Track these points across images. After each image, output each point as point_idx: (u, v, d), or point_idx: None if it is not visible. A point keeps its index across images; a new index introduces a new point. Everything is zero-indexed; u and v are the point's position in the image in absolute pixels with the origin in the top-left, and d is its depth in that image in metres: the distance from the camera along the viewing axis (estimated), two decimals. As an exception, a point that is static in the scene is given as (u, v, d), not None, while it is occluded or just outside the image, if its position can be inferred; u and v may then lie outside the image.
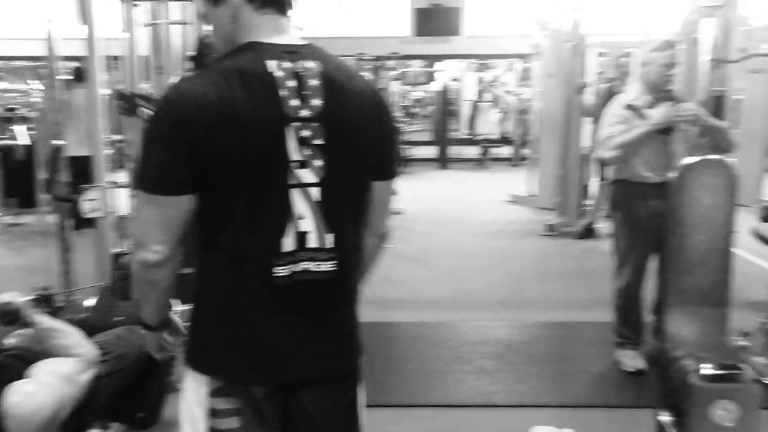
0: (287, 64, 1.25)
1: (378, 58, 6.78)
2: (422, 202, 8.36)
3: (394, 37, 10.48)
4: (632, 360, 3.46)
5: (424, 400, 3.23)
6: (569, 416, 2.97)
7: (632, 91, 3.43)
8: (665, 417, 0.89)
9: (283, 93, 1.24)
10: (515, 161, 11.68)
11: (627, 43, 7.22)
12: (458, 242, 6.45)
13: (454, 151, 12.44)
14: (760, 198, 6.46)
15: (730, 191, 0.76)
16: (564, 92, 6.58)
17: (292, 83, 1.25)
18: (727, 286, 0.82)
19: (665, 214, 3.28)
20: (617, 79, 6.40)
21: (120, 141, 3.78)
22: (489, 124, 13.35)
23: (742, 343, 3.75)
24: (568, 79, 6.46)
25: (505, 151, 12.35)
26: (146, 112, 3.01)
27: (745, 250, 5.55)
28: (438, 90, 12.89)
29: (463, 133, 13.86)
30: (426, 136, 13.46)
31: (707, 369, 0.83)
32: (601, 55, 7.49)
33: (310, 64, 1.28)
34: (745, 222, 5.28)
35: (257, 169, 1.24)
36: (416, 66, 16.25)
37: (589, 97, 6.60)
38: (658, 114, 3.21)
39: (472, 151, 12.51)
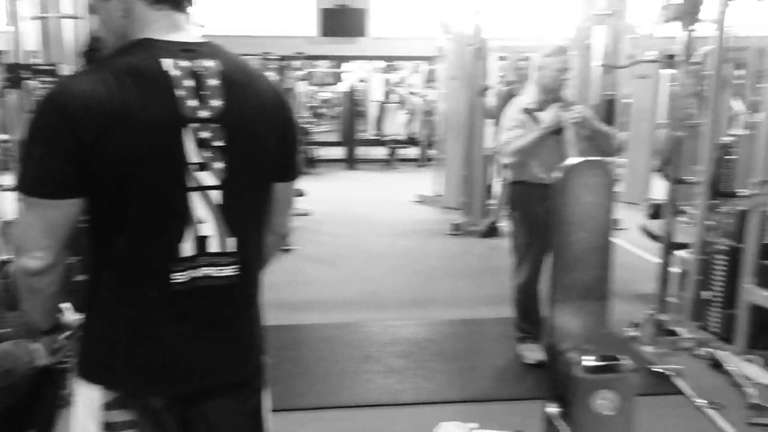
0: (184, 63, 1.21)
1: (283, 58, 6.71)
2: (330, 202, 8.35)
3: (300, 37, 10.40)
4: (533, 353, 3.59)
5: (334, 402, 3.22)
6: (474, 410, 3.04)
7: (528, 95, 3.54)
8: (552, 408, 0.93)
9: (179, 93, 1.19)
10: (422, 162, 11.86)
11: (526, 47, 7.49)
12: (366, 242, 6.48)
13: (361, 151, 12.49)
14: (648, 196, 6.86)
15: (608, 191, 0.81)
16: (467, 94, 6.75)
17: (189, 83, 1.20)
18: (607, 281, 0.87)
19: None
20: (517, 82, 6.61)
21: (5, 141, 3.54)
22: (396, 125, 13.50)
23: (632, 333, 3.98)
24: (471, 82, 6.63)
25: (412, 151, 12.51)
26: (33, 84, 2.85)
27: (634, 245, 5.91)
28: (345, 91, 12.90)
29: (370, 133, 13.94)
30: (334, 137, 13.46)
31: (589, 361, 0.87)
32: (501, 58, 7.73)
33: (209, 63, 1.23)
34: (635, 219, 5.63)
35: (152, 172, 1.18)
36: (323, 66, 16.20)
37: (491, 100, 6.79)
38: (549, 117, 3.35)
39: (380, 152, 12.61)
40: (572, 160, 0.82)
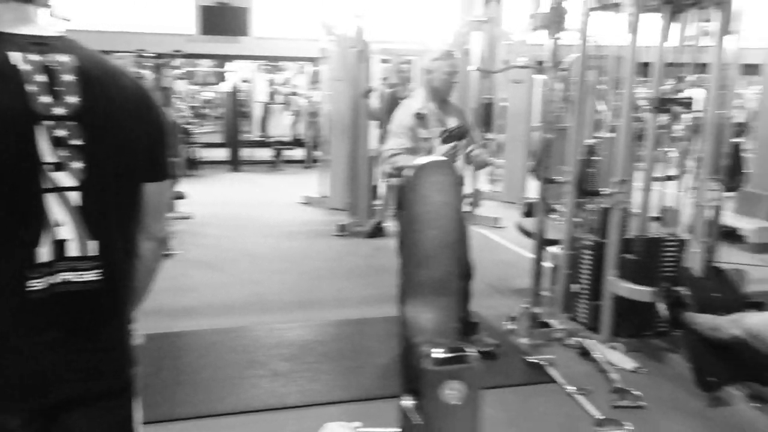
0: (35, 57, 1.14)
1: (159, 56, 6.46)
2: (214, 205, 8.14)
3: (178, 34, 10.06)
4: None
5: (218, 409, 3.14)
6: (360, 409, 3.08)
7: (418, 98, 3.60)
8: (407, 402, 0.96)
9: (30, 88, 1.12)
10: (308, 163, 11.82)
11: (407, 50, 7.66)
12: (252, 245, 6.37)
13: (246, 153, 12.27)
14: (524, 196, 7.21)
15: (456, 190, 0.85)
16: (351, 96, 6.81)
17: (41, 78, 1.13)
18: (456, 277, 0.92)
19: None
20: (399, 85, 6.77)
21: None
22: (281, 126, 13.36)
23: (510, 326, 4.17)
24: (355, 84, 6.69)
25: (298, 153, 12.45)
26: None
27: (511, 242, 6.20)
28: (228, 91, 12.60)
29: (255, 135, 13.72)
30: (217, 138, 13.12)
31: (437, 353, 0.91)
32: (384, 61, 7.86)
33: (64, 58, 1.17)
34: (512, 217, 5.88)
35: (2, 172, 1.10)
36: (205, 66, 15.76)
37: (374, 101, 6.89)
38: (442, 150, 3.44)
39: (265, 154, 12.45)
40: (420, 160, 0.86)
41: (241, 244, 6.38)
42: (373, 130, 7.08)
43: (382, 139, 7.06)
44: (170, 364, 3.54)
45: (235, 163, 11.82)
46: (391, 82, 7.03)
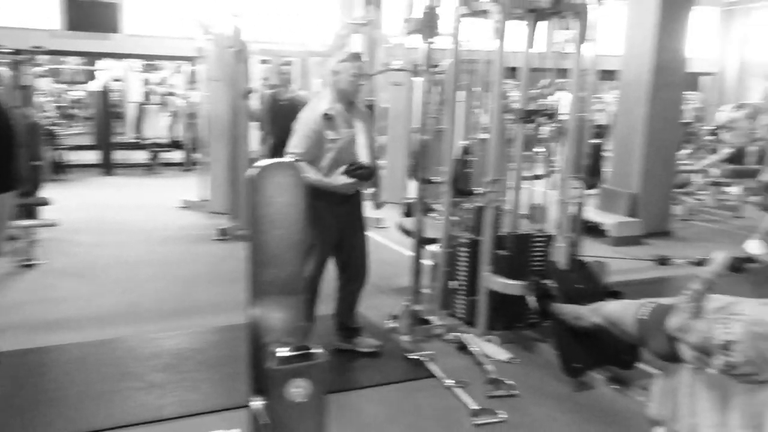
0: None
1: (18, 52, 6.01)
2: (85, 211, 7.69)
3: (40, 29, 9.41)
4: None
5: (88, 426, 2.97)
6: (241, 417, 3.01)
7: (325, 100, 3.57)
8: (256, 402, 0.97)
9: None
10: (187, 166, 11.44)
11: (288, 51, 7.60)
12: (126, 251, 6.08)
13: (120, 156, 11.68)
14: (404, 196, 7.34)
15: (300, 190, 0.86)
16: (230, 97, 6.65)
17: None
18: (302, 276, 0.93)
19: (348, 217, 3.58)
20: (280, 86, 6.69)
21: None
22: (158, 128, 12.84)
23: (392, 325, 4.24)
24: (234, 84, 6.54)
25: (176, 155, 12.01)
26: None
27: (393, 242, 6.30)
28: (98, 90, 11.93)
29: (129, 136, 13.10)
30: (87, 140, 12.39)
31: (282, 351, 0.92)
32: (263, 61, 7.75)
33: None
34: (393, 217, 5.97)
35: None
36: (73, 63, 14.87)
37: (254, 103, 6.77)
38: (341, 181, 3.48)
39: (141, 156, 11.91)
40: (263, 162, 0.86)
41: (113, 251, 6.07)
42: (254, 131, 6.97)
43: (263, 141, 7.00)
44: (33, 382, 3.30)
45: (107, 167, 11.21)
46: (272, 83, 6.94)
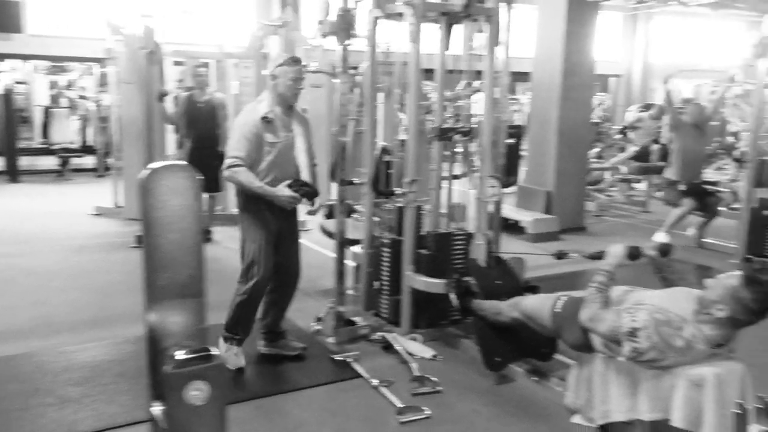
0: None
1: None
2: (-13, 220, 7.28)
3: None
4: (236, 358, 3.61)
5: (-5, 448, 2.82)
6: (162, 427, 2.93)
7: (264, 103, 3.50)
8: (156, 408, 0.95)
9: None
10: (100, 172, 11.01)
11: (204, 53, 7.44)
12: (36, 261, 5.79)
13: (26, 162, 11.10)
14: (326, 198, 7.33)
15: (194, 193, 0.86)
16: (144, 99, 6.45)
17: None
18: (201, 279, 0.92)
19: (286, 221, 3.52)
20: (196, 88, 6.55)
21: None
22: (67, 132, 12.28)
23: (317, 327, 4.23)
24: (147, 87, 6.35)
25: (88, 160, 11.53)
26: None
27: (317, 244, 6.27)
28: (0, 93, 11.28)
29: (36, 142, 12.47)
30: (-11, 146, 11.72)
31: (180, 354, 0.91)
32: (177, 63, 7.56)
33: None
34: (315, 219, 5.94)
35: None
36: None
37: (169, 105, 6.60)
38: (282, 192, 3.42)
39: (49, 162, 11.36)
40: (155, 164, 0.85)
41: (22, 262, 5.77)
42: (170, 135, 6.78)
43: (180, 144, 6.82)
44: (-66, 403, 3.10)
45: (13, 174, 10.62)
46: (187, 86, 6.77)
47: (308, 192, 3.56)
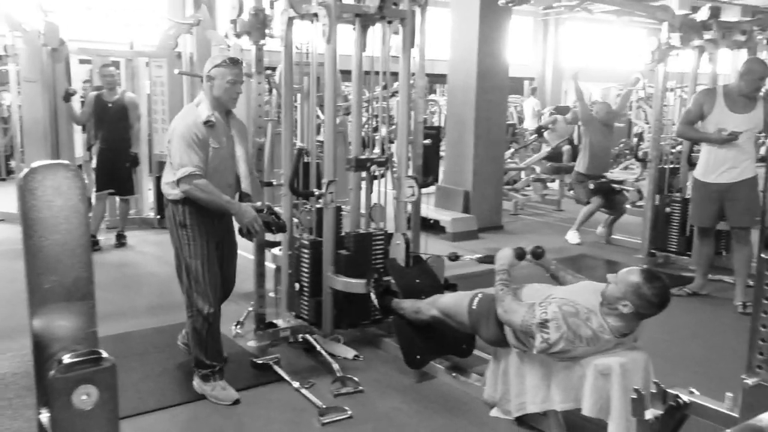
0: None
1: None
2: None
3: None
4: (225, 392, 3.34)
5: None
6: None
7: (203, 107, 3.29)
8: (43, 416, 0.92)
9: None
10: (2, 175, 10.40)
11: (113, 51, 7.17)
12: (-71, 274, 5.41)
13: None
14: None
15: (80, 193, 0.83)
16: (48, 99, 6.14)
17: None
18: (91, 281, 0.90)
19: (225, 229, 3.38)
20: (105, 88, 6.30)
21: None
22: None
23: (238, 330, 4.16)
24: (51, 86, 6.05)
25: (-10, 163, 10.88)
26: None
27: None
28: None
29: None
30: None
31: (66, 358, 0.88)
32: (83, 61, 7.25)
33: None
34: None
35: None
36: None
37: (77, 105, 6.33)
38: (249, 212, 3.26)
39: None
40: (37, 163, 0.82)
41: None
42: (78, 136, 6.50)
43: (89, 146, 6.55)
44: None
45: None
46: (96, 85, 6.51)
47: (278, 224, 3.47)
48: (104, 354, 0.91)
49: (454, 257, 3.51)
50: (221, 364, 3.39)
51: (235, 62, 3.31)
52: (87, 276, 0.93)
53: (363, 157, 3.96)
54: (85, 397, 0.90)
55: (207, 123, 3.21)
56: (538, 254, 3.21)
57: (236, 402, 3.31)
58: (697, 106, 4.95)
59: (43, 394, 0.93)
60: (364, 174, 4.08)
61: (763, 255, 1.87)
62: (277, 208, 4.56)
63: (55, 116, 6.06)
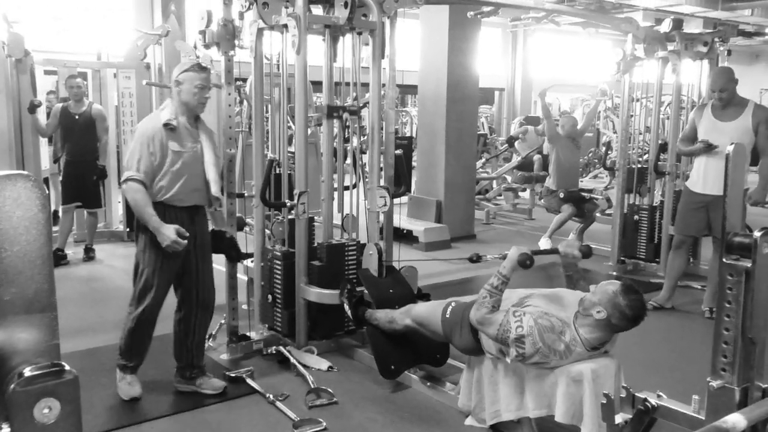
0: None
1: None
2: None
3: None
4: (129, 387, 3.42)
5: None
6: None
7: (167, 111, 3.30)
8: (4, 431, 0.90)
9: None
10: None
11: (80, 62, 7.08)
12: None
13: None
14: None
15: (40, 203, 0.82)
16: (12, 111, 6.02)
17: None
18: (52, 292, 0.89)
19: (193, 241, 3.30)
20: (71, 99, 6.22)
21: None
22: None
23: (210, 344, 4.11)
24: (16, 97, 5.94)
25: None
26: None
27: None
28: None
29: None
30: None
31: (28, 371, 0.87)
32: (49, 72, 7.14)
33: None
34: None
35: None
36: None
37: (42, 117, 6.23)
38: (168, 234, 3.16)
39: None
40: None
41: None
42: (44, 148, 6.39)
43: (55, 159, 6.44)
44: None
45: None
46: (62, 96, 6.42)
47: (234, 257, 3.57)
48: (66, 366, 0.90)
49: (477, 258, 3.43)
50: (136, 363, 3.46)
51: (202, 68, 3.32)
52: (48, 288, 0.91)
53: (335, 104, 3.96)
54: (47, 410, 0.88)
55: (167, 125, 3.22)
56: (586, 254, 3.06)
57: (134, 399, 3.40)
58: (691, 123, 5.02)
59: (3, 409, 0.91)
60: (337, 183, 4.07)
61: (724, 260, 1.91)
62: (249, 220, 4.55)
63: (20, 128, 5.94)
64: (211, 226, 3.67)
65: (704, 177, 4.85)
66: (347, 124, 4.09)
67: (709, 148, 4.74)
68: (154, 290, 3.30)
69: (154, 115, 3.36)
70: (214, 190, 3.36)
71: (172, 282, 3.39)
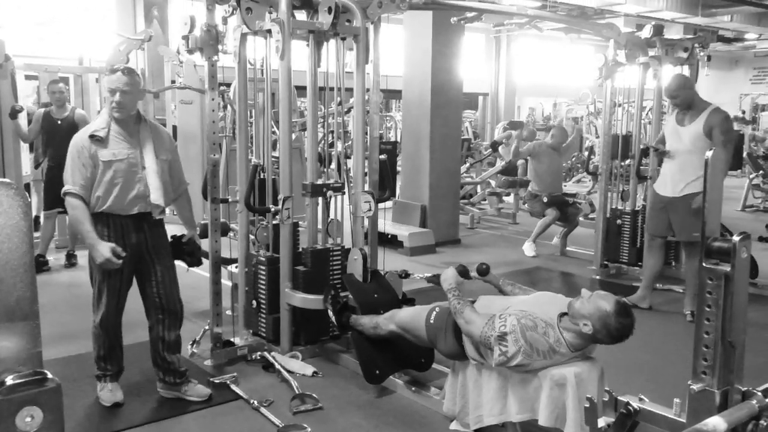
0: None
1: None
2: None
3: None
4: (110, 394, 3.41)
5: None
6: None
7: (100, 119, 3.25)
8: None
9: None
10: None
11: (61, 67, 7.03)
12: None
13: None
14: (201, 217, 7.12)
15: (22, 211, 0.82)
16: (-7, 116, 5.97)
17: None
18: (34, 300, 0.88)
19: (144, 246, 3.28)
20: (53, 105, 6.16)
21: None
22: None
23: (194, 350, 4.09)
24: (-2, 102, 5.88)
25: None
26: None
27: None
28: None
29: None
30: None
31: (9, 380, 0.86)
32: (29, 77, 7.08)
33: None
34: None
35: None
36: None
37: (23, 123, 6.17)
38: (102, 252, 3.12)
39: None
40: None
41: None
42: (25, 154, 6.33)
43: (37, 164, 6.38)
44: None
45: None
46: (43, 102, 6.36)
47: (191, 261, 3.60)
48: (49, 375, 0.89)
49: (404, 275, 3.57)
50: (114, 369, 3.45)
51: (115, 70, 3.23)
52: (30, 296, 0.91)
53: (319, 183, 3.97)
54: (29, 419, 0.88)
55: (92, 137, 3.17)
56: (482, 271, 3.26)
57: (116, 405, 3.39)
58: (662, 129, 5.25)
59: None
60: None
61: (704, 264, 1.93)
62: (233, 225, 4.52)
63: (0, 134, 5.88)
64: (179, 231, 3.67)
65: (663, 179, 5.07)
66: (331, 129, 4.10)
67: (660, 154, 5.00)
68: (105, 298, 3.28)
69: (88, 125, 3.38)
70: (154, 197, 3.26)
71: (124, 288, 3.35)
